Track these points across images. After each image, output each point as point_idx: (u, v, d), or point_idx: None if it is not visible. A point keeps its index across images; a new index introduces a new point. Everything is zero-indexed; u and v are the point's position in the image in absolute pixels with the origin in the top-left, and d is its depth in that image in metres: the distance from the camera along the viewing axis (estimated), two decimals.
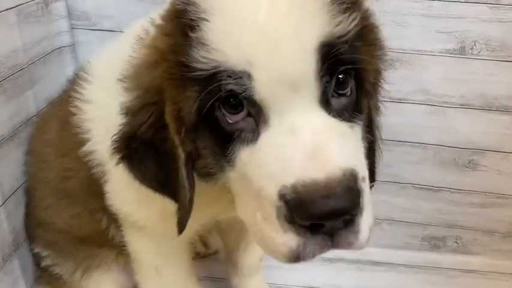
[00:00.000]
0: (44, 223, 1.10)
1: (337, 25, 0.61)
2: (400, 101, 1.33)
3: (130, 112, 0.71)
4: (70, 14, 1.28)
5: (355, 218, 0.60)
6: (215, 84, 0.61)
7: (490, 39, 1.24)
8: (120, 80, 0.75)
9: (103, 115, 0.88)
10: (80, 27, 1.30)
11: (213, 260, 1.41)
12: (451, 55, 1.27)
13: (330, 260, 1.46)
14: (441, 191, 1.44)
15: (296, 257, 0.62)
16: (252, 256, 1.17)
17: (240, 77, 0.60)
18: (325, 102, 0.63)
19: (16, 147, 1.10)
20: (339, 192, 0.57)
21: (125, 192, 0.89)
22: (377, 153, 0.78)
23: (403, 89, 1.32)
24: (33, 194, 1.12)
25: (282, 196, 0.59)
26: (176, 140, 0.67)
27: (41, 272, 1.18)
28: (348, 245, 0.62)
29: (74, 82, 1.03)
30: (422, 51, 1.27)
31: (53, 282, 1.14)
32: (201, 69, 0.61)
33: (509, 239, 1.48)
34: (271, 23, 0.59)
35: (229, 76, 0.60)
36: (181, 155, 0.67)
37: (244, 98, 0.61)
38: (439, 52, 1.27)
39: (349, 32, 0.62)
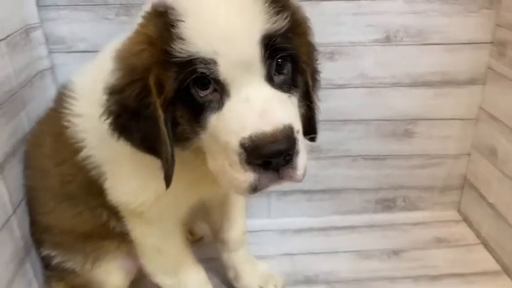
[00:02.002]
0: (48, 227, 1.23)
1: (273, 23, 0.82)
2: (342, 86, 1.55)
3: (117, 88, 0.88)
4: (47, 39, 1.41)
5: (293, 158, 0.82)
6: (190, 68, 0.81)
7: (408, 27, 1.48)
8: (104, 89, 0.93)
9: (93, 125, 1.03)
10: (56, 50, 1.44)
11: (200, 245, 1.59)
12: (380, 44, 1.50)
13: (302, 230, 1.69)
14: (386, 159, 1.68)
15: (254, 189, 0.83)
16: (235, 232, 1.36)
17: (209, 63, 0.80)
18: (269, 79, 0.85)
19: (18, 163, 1.24)
20: (281, 139, 0.79)
21: (123, 185, 1.06)
22: (315, 113, 0.99)
23: (344, 76, 1.54)
24: (34, 203, 1.25)
25: (242, 145, 0.80)
26: (157, 102, 0.84)
27: (51, 271, 1.31)
28: (290, 178, 0.83)
29: (60, 100, 1.18)
30: (356, 43, 1.50)
31: (65, 278, 1.27)
32: (180, 57, 0.81)
33: (446, 192, 1.76)
34: (228, 24, 0.80)
35: (201, 62, 0.80)
36: (161, 115, 0.85)
37: (212, 78, 0.82)
38: (370, 42, 1.50)
39: (282, 27, 0.83)
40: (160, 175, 0.92)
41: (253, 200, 1.69)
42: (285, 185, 1.63)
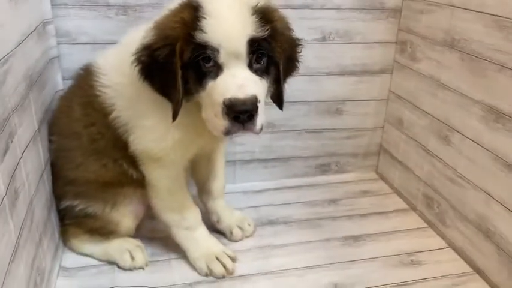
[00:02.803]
0: (74, 180, 1.54)
1: (257, 32, 1.25)
2: None
3: (152, 47, 1.25)
4: (56, 32, 1.72)
5: (254, 117, 1.25)
6: (202, 50, 1.22)
7: (338, 30, 2.00)
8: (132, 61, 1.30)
9: (120, 93, 1.42)
10: (63, 42, 1.74)
11: None
12: (318, 42, 2.00)
13: (261, 191, 2.12)
14: (323, 131, 2.17)
15: (228, 132, 1.25)
16: (218, 183, 1.76)
17: (214, 50, 1.22)
18: (250, 66, 1.28)
19: (45, 129, 1.54)
20: (248, 103, 1.22)
21: (147, 136, 1.42)
22: (282, 91, 1.43)
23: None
24: (61, 161, 1.55)
25: (224, 102, 1.23)
26: (178, 63, 1.23)
27: (69, 220, 1.61)
28: (250, 130, 1.27)
29: (83, 78, 1.53)
30: (301, 41, 1.98)
31: (83, 223, 1.58)
32: (199, 40, 1.21)
33: (367, 157, 2.29)
34: (230, 28, 1.22)
35: (210, 48, 1.22)
36: (180, 72, 1.25)
37: (214, 59, 1.24)
38: (311, 41, 1.98)
39: (263, 35, 1.25)
40: (176, 126, 1.31)
41: None
42: (247, 155, 2.08)
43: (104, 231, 1.59)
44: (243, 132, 1.27)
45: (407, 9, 1.98)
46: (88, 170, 1.52)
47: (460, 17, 1.66)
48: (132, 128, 1.44)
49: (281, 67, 1.35)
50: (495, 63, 1.51)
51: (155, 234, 1.75)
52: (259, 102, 1.25)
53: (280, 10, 1.37)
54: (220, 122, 1.23)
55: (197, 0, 1.24)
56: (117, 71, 1.43)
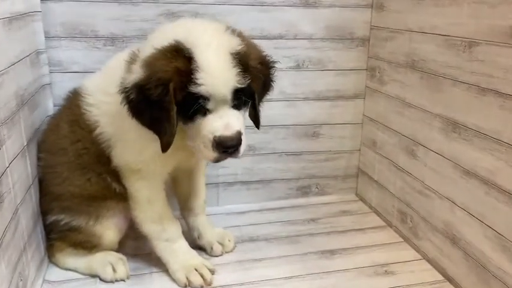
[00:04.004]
0: (60, 195, 1.63)
1: (239, 82, 1.37)
2: (269, 100, 2.13)
3: (144, 85, 1.33)
4: (49, 61, 1.87)
5: (238, 147, 1.40)
6: (194, 98, 1.34)
7: (311, 58, 2.15)
8: (120, 86, 1.43)
9: (104, 110, 1.55)
10: (55, 71, 1.89)
11: None
12: (293, 69, 2.14)
13: (244, 212, 2.20)
14: (302, 154, 2.28)
15: (216, 161, 1.42)
16: (199, 199, 1.85)
17: (206, 98, 1.35)
18: (234, 107, 1.41)
19: (34, 147, 1.65)
20: (235, 139, 1.37)
21: (128, 149, 1.53)
22: (258, 114, 1.54)
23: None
24: (48, 177, 1.65)
25: (213, 140, 1.37)
26: (172, 100, 1.35)
27: (55, 235, 1.68)
28: (236, 156, 1.41)
29: (71, 99, 1.67)
30: (278, 69, 2.12)
31: (68, 236, 1.66)
32: (192, 90, 1.33)
33: (347, 179, 2.38)
34: (220, 82, 1.34)
35: (202, 98, 1.34)
36: (175, 108, 1.36)
37: (205, 106, 1.36)
38: (287, 68, 2.12)
39: (244, 83, 1.38)
40: (155, 140, 1.43)
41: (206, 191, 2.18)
42: (230, 177, 2.18)
43: (87, 245, 1.66)
44: (230, 157, 1.43)
45: (374, 37, 2.15)
46: (73, 184, 1.62)
47: (417, 40, 1.81)
48: (115, 143, 1.55)
49: (256, 96, 1.49)
50: (449, 78, 1.64)
51: (138, 251, 1.82)
52: (242, 134, 1.41)
53: (252, 40, 1.52)
54: (210, 153, 1.39)
55: (187, 48, 1.35)
56: (101, 91, 1.57)
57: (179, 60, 1.34)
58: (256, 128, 1.59)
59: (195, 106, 1.35)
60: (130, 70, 1.42)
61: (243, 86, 1.38)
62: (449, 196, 1.67)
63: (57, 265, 1.72)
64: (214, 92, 1.34)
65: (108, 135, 1.56)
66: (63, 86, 1.88)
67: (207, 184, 2.16)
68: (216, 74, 1.34)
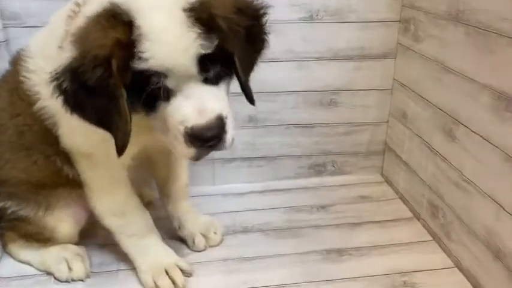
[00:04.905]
0: (4, 180, 1.36)
1: (204, 46, 1.00)
2: (274, 60, 1.75)
3: (78, 69, 0.99)
4: (2, 14, 1.55)
5: (223, 136, 1.07)
6: (145, 78, 0.99)
7: (327, 7, 1.71)
8: (60, 47, 1.09)
9: (45, 79, 1.16)
10: (11, 25, 1.58)
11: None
12: (305, 21, 1.72)
13: (243, 194, 1.87)
14: (315, 126, 1.89)
15: (196, 159, 1.11)
16: (178, 183, 1.52)
17: (161, 76, 0.99)
18: (207, 81, 1.05)
19: None
20: (214, 127, 1.04)
21: (74, 129, 1.21)
22: (246, 88, 1.18)
23: (275, 51, 1.74)
24: None
25: (185, 132, 1.04)
26: (119, 83, 0.99)
27: (5, 223, 1.42)
28: (220, 149, 1.10)
29: (15, 62, 1.34)
30: (285, 20, 1.70)
31: (17, 226, 1.40)
32: (140, 68, 0.98)
33: (369, 157, 1.98)
34: (171, 49, 0.98)
35: (155, 75, 0.99)
36: (124, 94, 1.01)
37: (164, 86, 1.01)
38: (297, 20, 1.71)
39: (211, 46, 1.01)
40: None
41: (199, 168, 1.86)
42: (227, 153, 1.83)
43: (40, 238, 1.40)
44: (213, 151, 1.11)
45: None
46: (17, 167, 1.34)
47: None
48: (60, 120, 1.23)
49: (237, 61, 1.10)
50: (505, 36, 1.18)
51: (109, 240, 1.53)
52: (226, 117, 1.06)
53: None
54: (185, 150, 1.07)
55: (126, 11, 0.99)
56: (42, 55, 1.23)
57: (118, 28, 0.98)
58: (250, 104, 1.23)
59: (150, 87, 1.01)
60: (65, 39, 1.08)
61: (210, 50, 1.01)
62: (495, 196, 1.25)
63: (11, 256, 1.48)
64: (170, 65, 0.99)
65: (51, 110, 1.23)
66: (21, 42, 1.55)
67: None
68: (167, 40, 0.98)
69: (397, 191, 1.87)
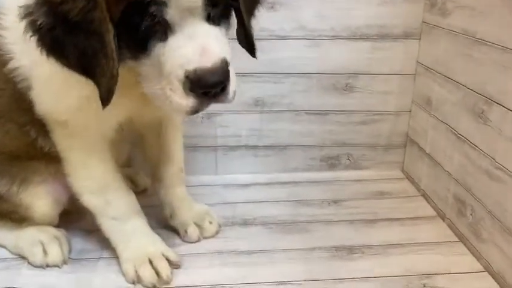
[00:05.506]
0: None
1: None
2: (284, 38, 1.60)
3: (56, 0, 0.87)
4: None
5: (226, 86, 0.94)
6: (140, 6, 0.85)
7: None
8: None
9: (19, 36, 1.03)
10: None
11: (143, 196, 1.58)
12: None
13: (247, 184, 1.70)
14: (328, 113, 1.71)
15: (195, 111, 0.95)
16: (172, 167, 1.37)
17: (160, 6, 0.86)
18: (207, 19, 0.93)
19: None
20: (219, 72, 0.91)
21: (46, 91, 1.08)
22: (249, 31, 1.06)
23: (285, 27, 1.59)
24: None
25: (187, 76, 0.89)
26: (107, 17, 0.86)
27: None
28: (223, 101, 0.96)
29: None
30: None
31: None
32: None
33: (389, 151, 1.79)
34: None
35: (153, 3, 0.86)
36: (112, 30, 0.87)
37: (160, 17, 0.88)
38: None
39: None
40: (83, 80, 0.95)
41: (200, 156, 1.71)
42: (231, 140, 1.67)
43: (14, 216, 1.26)
44: (214, 103, 0.97)
45: None
46: None
47: None
48: (33, 82, 1.10)
49: (242, 1, 1.01)
50: None
51: (95, 226, 1.36)
52: (229, 64, 0.94)
53: None
54: (183, 101, 0.93)
55: None
56: (15, 9, 1.10)
57: None
58: (251, 56, 1.11)
59: (146, 22, 0.88)
60: None
61: None
62: None
63: None
64: None
65: (25, 71, 1.10)
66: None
67: (202, 146, 1.71)
68: None
69: (419, 188, 1.67)
